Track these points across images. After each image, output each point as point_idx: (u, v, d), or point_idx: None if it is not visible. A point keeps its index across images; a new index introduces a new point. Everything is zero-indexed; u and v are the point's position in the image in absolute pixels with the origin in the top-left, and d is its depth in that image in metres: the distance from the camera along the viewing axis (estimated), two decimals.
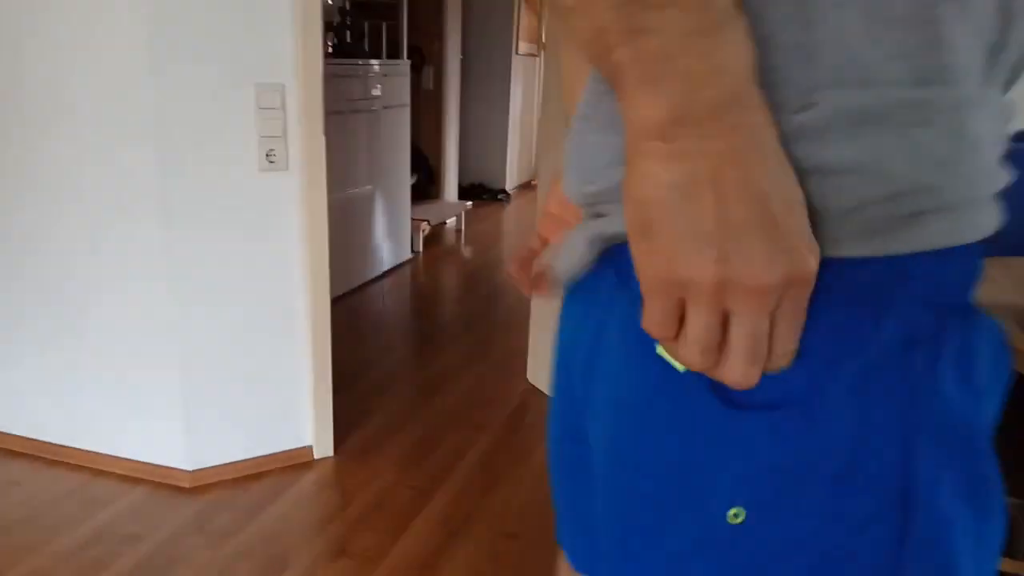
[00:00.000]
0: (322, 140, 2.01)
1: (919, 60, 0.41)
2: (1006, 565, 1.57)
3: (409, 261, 4.44)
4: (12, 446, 2.21)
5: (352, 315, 3.55)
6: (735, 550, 0.45)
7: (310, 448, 2.23)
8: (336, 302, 3.61)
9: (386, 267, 4.16)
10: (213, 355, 2.04)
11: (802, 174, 0.40)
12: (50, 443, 2.17)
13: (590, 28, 0.38)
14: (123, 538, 1.86)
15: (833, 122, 0.41)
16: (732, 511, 0.44)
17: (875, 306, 0.43)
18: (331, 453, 2.26)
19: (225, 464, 2.12)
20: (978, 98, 0.43)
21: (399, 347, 3.24)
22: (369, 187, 3.87)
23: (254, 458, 2.16)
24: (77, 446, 2.15)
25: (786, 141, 0.40)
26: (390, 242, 4.19)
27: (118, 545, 1.83)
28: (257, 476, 2.15)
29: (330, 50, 4.03)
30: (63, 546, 1.82)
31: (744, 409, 0.43)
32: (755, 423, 0.44)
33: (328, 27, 4.09)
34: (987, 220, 0.46)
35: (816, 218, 0.40)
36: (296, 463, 2.22)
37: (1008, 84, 0.49)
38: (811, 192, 0.40)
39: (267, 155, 1.94)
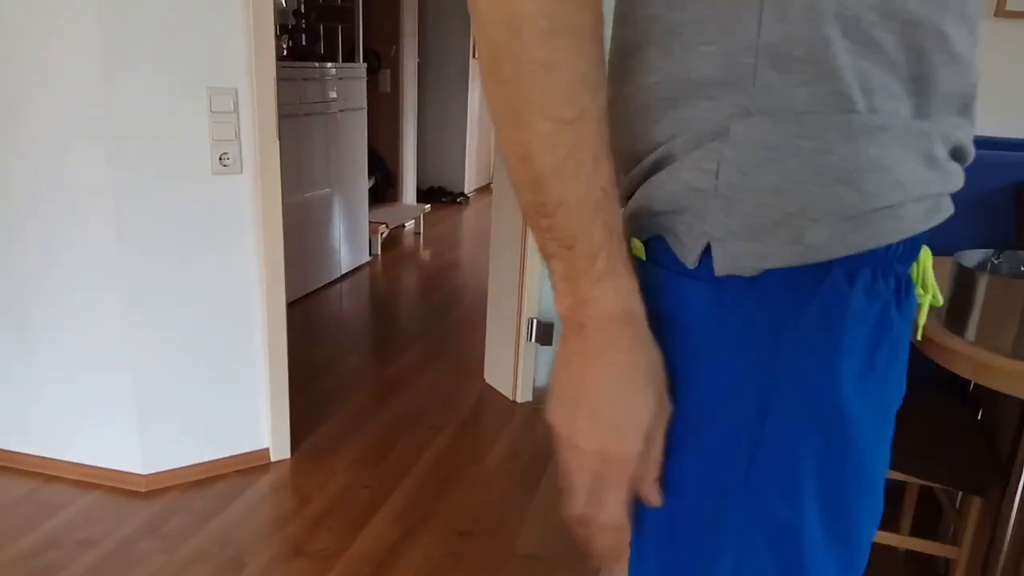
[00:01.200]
0: (276, 143, 2.03)
1: (818, 92, 0.49)
2: (931, 548, 1.65)
3: (367, 264, 4.45)
4: None
5: (310, 318, 3.55)
6: None
7: (267, 450, 2.24)
8: (294, 305, 3.61)
9: (344, 270, 4.17)
10: (167, 358, 2.04)
11: (726, 198, 0.53)
12: (0, 449, 2.15)
13: (538, 236, 0.54)
14: (77, 543, 1.85)
15: (748, 151, 0.51)
16: None
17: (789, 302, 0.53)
18: (288, 455, 2.27)
19: (181, 468, 2.12)
20: (890, 122, 0.51)
21: (357, 349, 3.26)
22: (326, 190, 3.87)
23: (211, 461, 2.17)
24: (28, 451, 2.13)
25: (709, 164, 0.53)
26: (348, 245, 4.19)
27: (72, 550, 1.83)
28: (213, 479, 2.15)
29: (285, 53, 4.02)
30: (15, 552, 1.81)
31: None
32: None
33: (283, 30, 4.09)
34: (894, 225, 0.53)
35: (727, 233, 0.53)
36: (253, 465, 2.22)
37: (964, 109, 0.58)
38: (742, 211, 0.53)
39: (220, 158, 1.95)
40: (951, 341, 1.29)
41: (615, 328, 0.53)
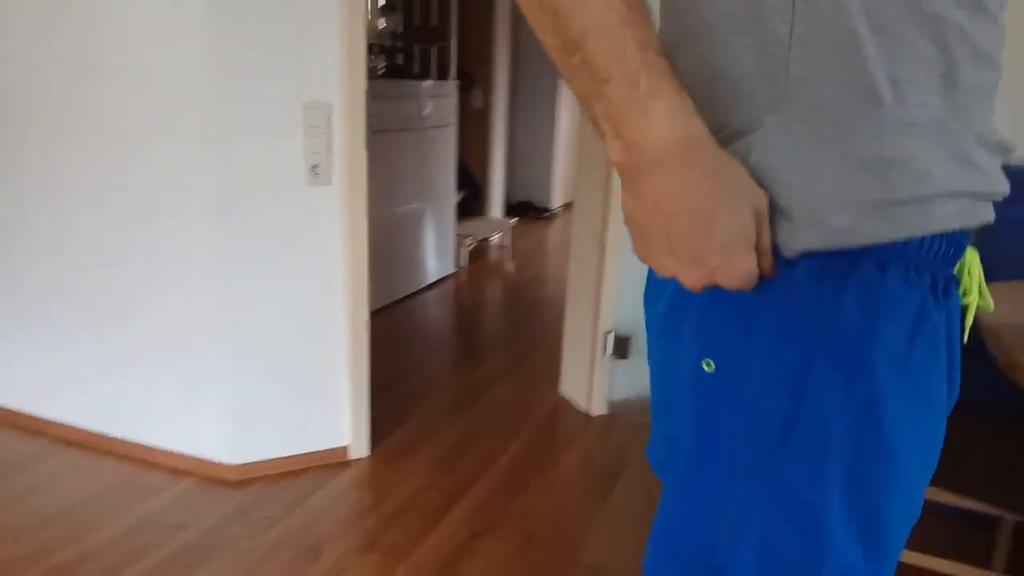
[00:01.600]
0: (364, 156, 2.14)
1: (847, 85, 0.52)
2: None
3: (453, 275, 4.56)
4: (70, 436, 2.37)
5: (395, 324, 3.67)
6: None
7: (347, 448, 2.34)
8: (380, 312, 3.75)
9: (430, 280, 4.29)
10: (258, 357, 2.17)
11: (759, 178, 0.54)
12: (105, 435, 2.33)
13: (578, 88, 0.52)
14: (170, 526, 1.99)
15: (779, 138, 0.54)
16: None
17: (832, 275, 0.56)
18: (367, 454, 2.37)
19: (269, 460, 2.25)
20: (920, 116, 0.53)
21: (438, 356, 3.35)
22: (417, 204, 4.01)
23: (296, 455, 2.28)
24: (130, 438, 2.30)
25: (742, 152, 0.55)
26: (435, 256, 4.32)
27: (165, 532, 1.96)
28: (297, 472, 2.27)
29: (383, 71, 4.19)
30: (112, 531, 1.95)
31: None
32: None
33: (381, 50, 4.26)
34: (922, 220, 0.54)
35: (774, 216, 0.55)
36: (334, 462, 2.33)
37: (991, 107, 0.59)
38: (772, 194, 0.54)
39: (312, 169, 2.07)
40: None
41: (679, 163, 0.50)
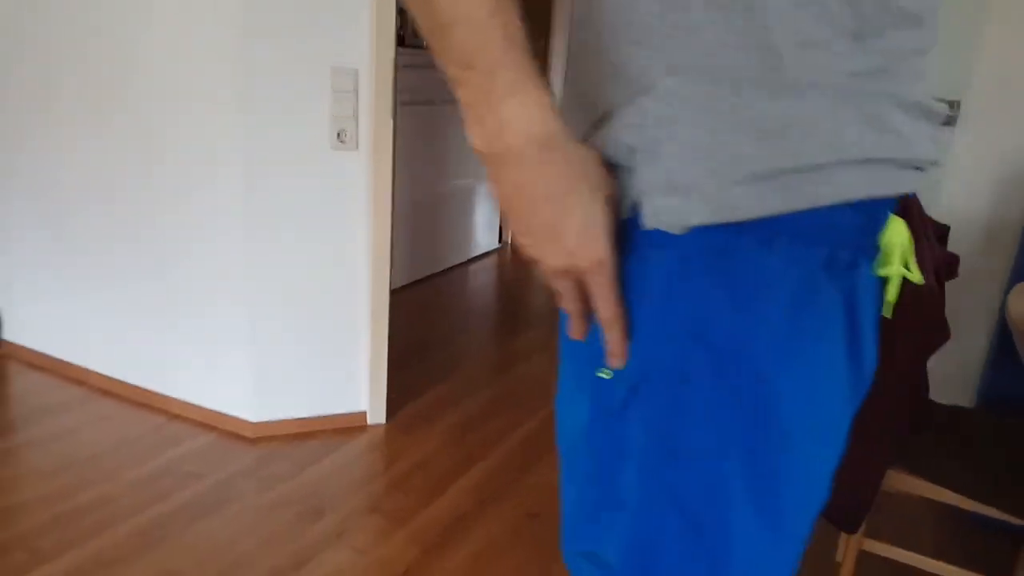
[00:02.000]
0: (390, 124, 2.14)
1: (747, 47, 0.49)
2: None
3: (496, 250, 4.56)
4: (107, 386, 2.47)
5: (434, 295, 3.69)
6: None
7: (364, 414, 2.37)
8: (423, 281, 3.79)
9: (476, 253, 4.31)
10: (283, 320, 2.21)
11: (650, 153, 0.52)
12: (139, 386, 2.42)
13: (446, 71, 0.51)
14: (186, 475, 2.06)
15: (676, 107, 0.51)
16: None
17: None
18: (383, 420, 2.39)
19: (286, 420, 2.30)
20: (824, 79, 0.50)
21: (471, 329, 3.36)
22: (469, 180, 4.04)
23: (314, 417, 2.33)
24: (162, 391, 2.39)
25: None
26: (483, 230, 4.33)
27: (181, 480, 2.03)
28: (313, 434, 2.31)
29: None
30: (134, 476, 2.03)
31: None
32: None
33: None
34: (824, 189, 0.51)
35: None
36: (351, 426, 2.37)
37: (919, 69, 0.55)
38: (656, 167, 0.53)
39: (338, 135, 2.09)
40: None
41: (534, 158, 0.51)
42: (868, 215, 0.54)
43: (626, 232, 0.55)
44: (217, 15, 1.97)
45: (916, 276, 0.60)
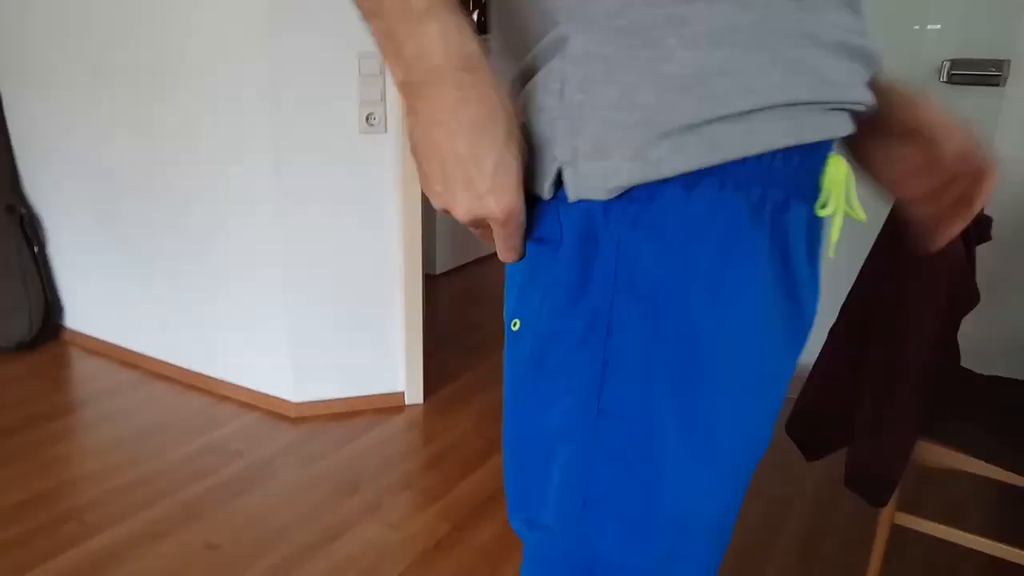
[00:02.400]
0: None
1: None
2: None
3: None
4: (160, 369, 2.58)
5: (478, 280, 3.72)
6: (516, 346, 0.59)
7: (402, 394, 2.41)
8: (465, 267, 3.81)
9: None
10: (319, 302, 2.26)
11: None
12: (188, 369, 2.51)
13: (359, 5, 0.51)
14: (230, 452, 2.13)
15: (590, 66, 0.50)
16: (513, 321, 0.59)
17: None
18: (420, 400, 2.43)
19: (327, 400, 2.35)
20: (737, 21, 0.49)
21: None
22: None
23: (353, 397, 2.38)
24: (209, 374, 2.47)
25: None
26: None
27: (224, 457, 2.10)
28: (353, 414, 2.36)
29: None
30: (181, 454, 2.11)
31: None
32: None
33: (465, 4, 4.26)
34: (744, 138, 0.50)
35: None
36: (389, 406, 2.41)
37: (850, 3, 0.54)
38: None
39: (367, 118, 2.12)
40: None
41: (455, 80, 0.49)
42: (798, 157, 0.53)
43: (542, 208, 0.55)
44: (247, 6, 2.02)
45: (859, 214, 0.58)
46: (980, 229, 1.37)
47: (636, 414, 0.53)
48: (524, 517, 0.61)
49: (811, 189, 0.55)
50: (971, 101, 2.11)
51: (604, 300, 0.53)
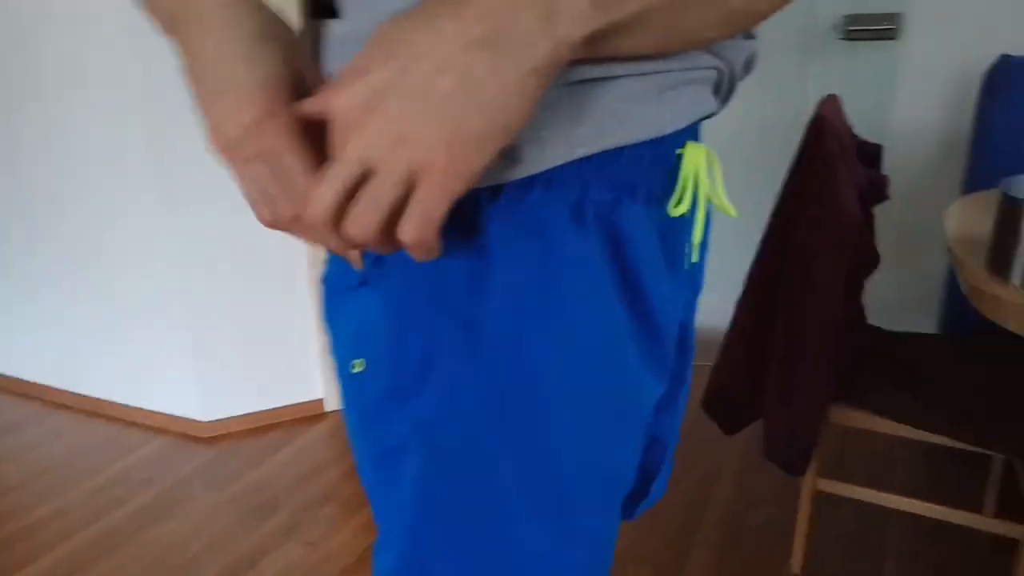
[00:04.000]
0: None
1: None
2: (1017, 531, 1.43)
3: None
4: (61, 399, 2.43)
5: None
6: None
7: (321, 401, 2.32)
8: None
9: None
10: (218, 314, 2.14)
11: None
12: (90, 396, 2.37)
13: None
14: (139, 482, 2.01)
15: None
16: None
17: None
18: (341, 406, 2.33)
19: (240, 415, 2.24)
20: None
21: None
22: None
23: (269, 410, 2.27)
24: (113, 399, 2.33)
25: None
26: None
27: (133, 488, 1.98)
28: (270, 427, 2.26)
29: None
30: (88, 487, 1.99)
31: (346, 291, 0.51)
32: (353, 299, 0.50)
33: None
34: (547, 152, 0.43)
35: None
36: (308, 415, 2.31)
37: None
38: None
39: None
40: (995, 286, 1.08)
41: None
42: (634, 150, 0.46)
43: None
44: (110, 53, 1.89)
45: (729, 209, 0.51)
46: (877, 189, 1.35)
47: (470, 468, 0.46)
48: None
49: (658, 185, 0.49)
50: (868, 55, 2.11)
51: (418, 330, 0.46)
